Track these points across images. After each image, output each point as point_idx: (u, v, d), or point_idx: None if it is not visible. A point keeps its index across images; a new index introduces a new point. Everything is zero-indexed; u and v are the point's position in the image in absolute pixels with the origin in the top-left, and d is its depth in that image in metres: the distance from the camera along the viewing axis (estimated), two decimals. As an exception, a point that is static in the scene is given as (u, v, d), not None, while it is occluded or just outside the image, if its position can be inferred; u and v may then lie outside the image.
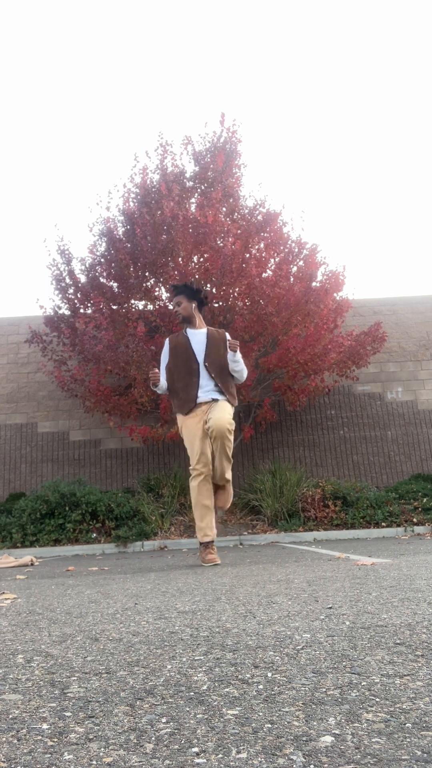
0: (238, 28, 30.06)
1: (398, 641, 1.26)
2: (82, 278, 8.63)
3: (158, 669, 1.14)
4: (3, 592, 2.64)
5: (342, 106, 31.48)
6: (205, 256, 7.87)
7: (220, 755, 0.71)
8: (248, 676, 1.06)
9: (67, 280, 8.54)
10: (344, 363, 8.35)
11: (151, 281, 8.48)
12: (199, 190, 8.99)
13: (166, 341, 4.21)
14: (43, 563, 5.21)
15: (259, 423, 8.85)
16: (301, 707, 0.87)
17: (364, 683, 0.98)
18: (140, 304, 8.65)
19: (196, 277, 7.86)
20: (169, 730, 0.81)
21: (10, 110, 31.90)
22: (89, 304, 8.39)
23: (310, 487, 7.72)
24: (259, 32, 30.39)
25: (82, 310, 8.55)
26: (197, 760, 0.70)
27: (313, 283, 8.12)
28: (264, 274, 7.90)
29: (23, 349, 9.84)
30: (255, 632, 1.44)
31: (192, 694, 0.97)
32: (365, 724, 0.79)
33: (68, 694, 1.01)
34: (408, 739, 0.73)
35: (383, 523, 7.28)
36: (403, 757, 0.68)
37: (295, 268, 8.31)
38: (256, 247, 8.20)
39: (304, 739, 0.75)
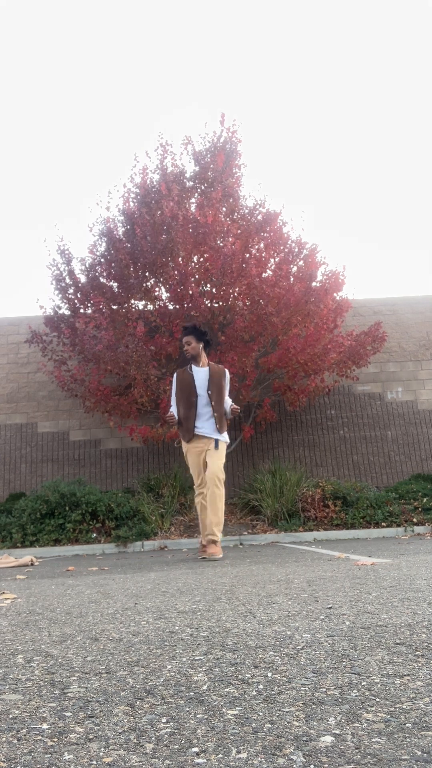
0: (238, 28, 30.07)
1: (398, 641, 1.26)
2: (82, 278, 8.63)
3: (158, 669, 1.14)
4: (3, 592, 2.63)
5: (342, 105, 31.50)
6: (205, 256, 7.87)
7: (220, 755, 0.71)
8: (248, 676, 1.06)
9: (67, 280, 8.54)
10: (344, 363, 8.34)
11: (151, 281, 8.49)
12: (199, 190, 8.99)
13: (174, 375, 4.74)
14: (43, 563, 5.21)
15: (259, 423, 8.85)
16: (301, 707, 0.87)
17: (364, 683, 0.98)
18: (140, 304, 8.66)
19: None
20: (169, 730, 0.81)
21: (10, 110, 31.90)
22: (89, 304, 8.38)
23: (310, 487, 7.72)
24: (259, 32, 30.39)
25: (82, 310, 8.55)
26: (197, 760, 0.70)
27: (313, 283, 8.12)
28: (264, 274, 7.90)
29: (23, 349, 9.84)
30: (255, 632, 1.44)
31: (192, 694, 0.97)
32: (365, 724, 0.79)
33: (68, 694, 1.01)
34: (408, 739, 0.73)
35: (383, 523, 7.28)
36: (403, 757, 0.68)
37: (295, 268, 8.30)
38: (256, 247, 8.20)
39: (304, 739, 0.75)
